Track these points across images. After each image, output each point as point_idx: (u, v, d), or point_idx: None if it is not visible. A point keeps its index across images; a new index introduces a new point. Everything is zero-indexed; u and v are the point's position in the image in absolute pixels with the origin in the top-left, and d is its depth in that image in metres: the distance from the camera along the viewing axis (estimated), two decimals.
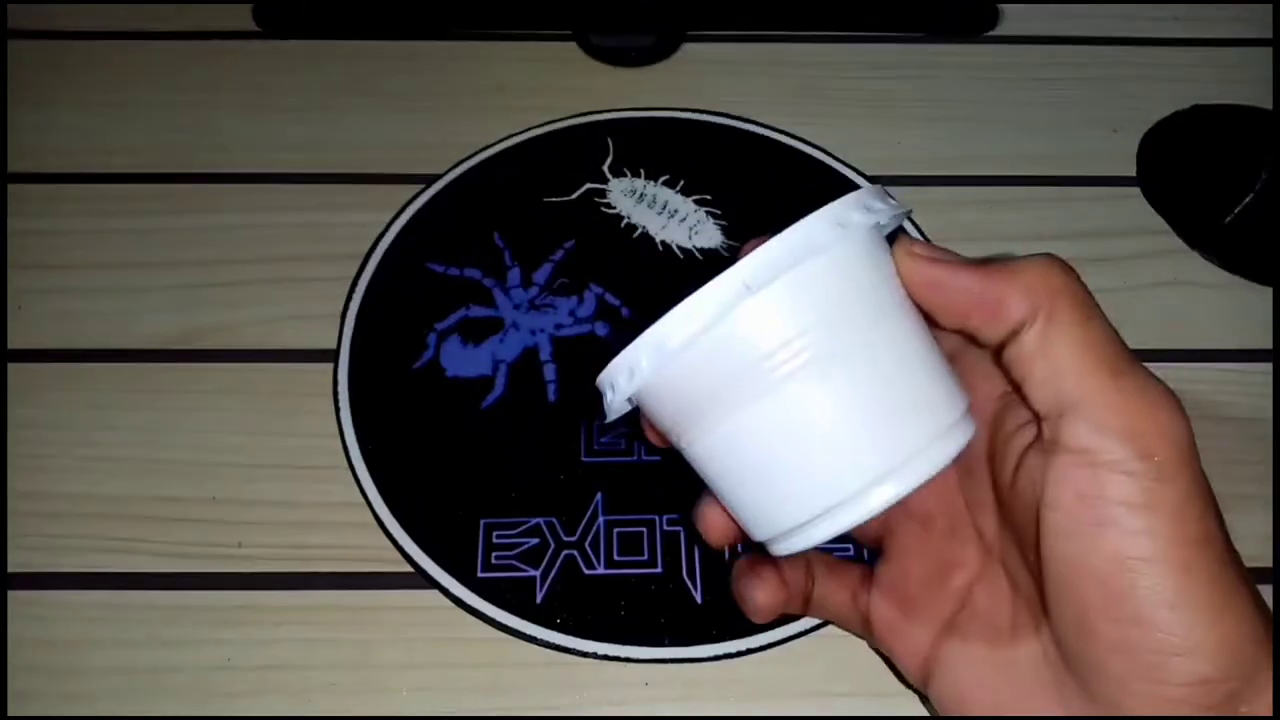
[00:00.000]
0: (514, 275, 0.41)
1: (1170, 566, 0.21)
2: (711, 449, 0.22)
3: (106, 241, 0.42)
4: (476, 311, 0.40)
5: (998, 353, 0.23)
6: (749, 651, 0.33)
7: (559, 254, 0.42)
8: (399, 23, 0.50)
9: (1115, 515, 0.21)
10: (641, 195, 0.44)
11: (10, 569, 0.34)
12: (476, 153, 0.45)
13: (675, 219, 0.43)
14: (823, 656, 0.33)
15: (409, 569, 0.34)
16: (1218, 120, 0.48)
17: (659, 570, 0.34)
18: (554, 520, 0.35)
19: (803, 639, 0.33)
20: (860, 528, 0.23)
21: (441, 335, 0.40)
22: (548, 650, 0.33)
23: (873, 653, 0.32)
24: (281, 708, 0.32)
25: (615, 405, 0.23)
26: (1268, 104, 0.48)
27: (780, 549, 0.23)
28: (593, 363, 0.35)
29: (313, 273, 0.41)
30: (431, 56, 0.49)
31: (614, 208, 0.44)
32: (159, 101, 0.47)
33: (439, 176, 0.45)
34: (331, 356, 0.39)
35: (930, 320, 0.23)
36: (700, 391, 0.22)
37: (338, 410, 0.38)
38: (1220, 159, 0.46)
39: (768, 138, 0.46)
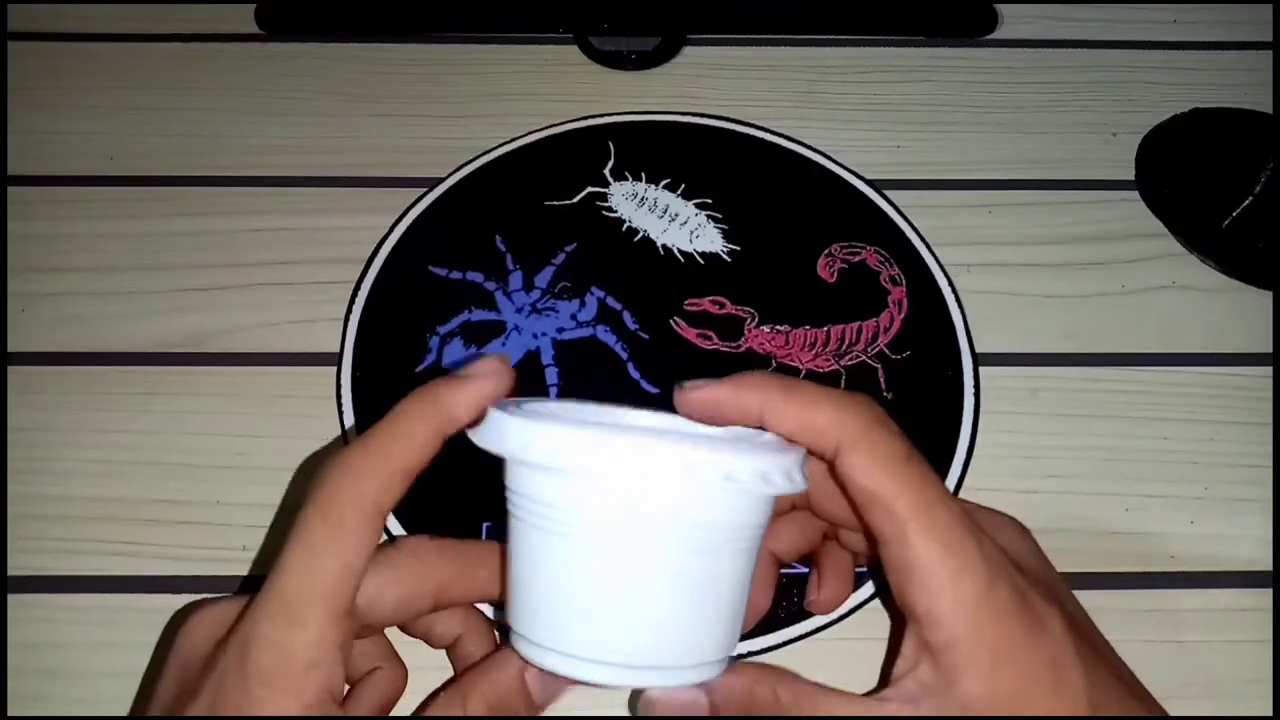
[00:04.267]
0: (516, 279, 0.41)
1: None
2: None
3: (109, 245, 0.43)
4: (479, 315, 0.40)
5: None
6: (750, 654, 0.33)
7: (561, 258, 0.42)
8: (401, 25, 0.50)
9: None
10: (643, 199, 0.44)
11: (11, 572, 0.34)
12: (478, 156, 0.46)
13: (676, 223, 0.43)
14: (824, 660, 0.33)
15: None
16: (1216, 124, 0.48)
17: None
18: None
19: (804, 641, 0.33)
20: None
21: (444, 338, 0.40)
22: None
23: (874, 656, 0.32)
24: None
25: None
26: (1267, 107, 0.48)
27: (533, 655, 0.26)
28: (594, 365, 0.34)
29: (316, 276, 0.42)
30: (433, 60, 0.49)
31: (615, 211, 0.44)
32: (161, 104, 0.47)
33: (441, 180, 0.45)
34: (335, 360, 0.39)
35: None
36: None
37: (341, 414, 0.38)
38: (1219, 162, 0.46)
39: (768, 141, 0.46)
